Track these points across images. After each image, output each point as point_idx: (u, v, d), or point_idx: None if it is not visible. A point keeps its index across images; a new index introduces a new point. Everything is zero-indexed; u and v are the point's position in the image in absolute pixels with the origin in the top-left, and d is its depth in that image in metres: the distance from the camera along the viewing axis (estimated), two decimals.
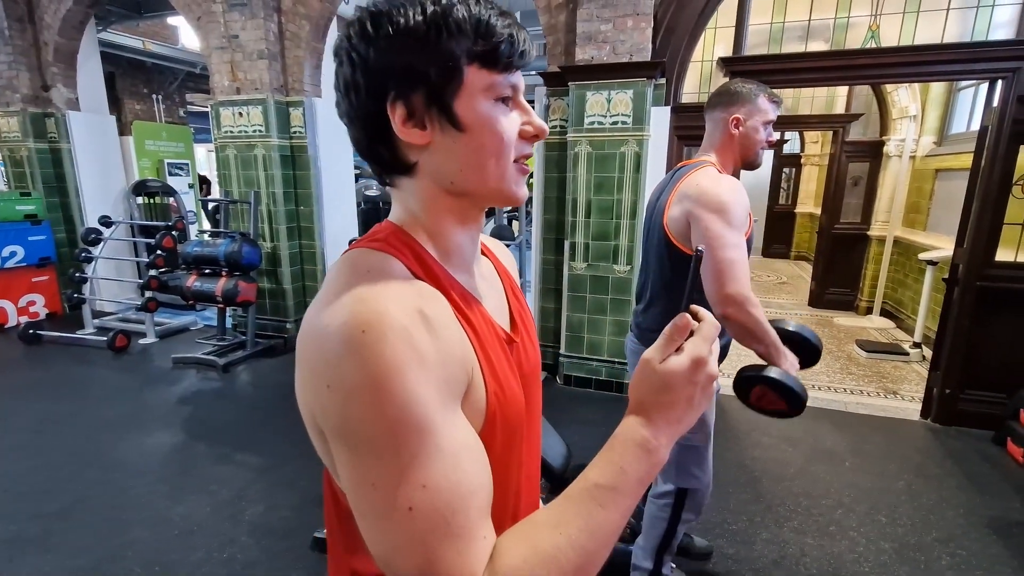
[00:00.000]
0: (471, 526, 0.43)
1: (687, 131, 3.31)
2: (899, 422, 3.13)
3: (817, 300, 5.81)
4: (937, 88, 4.79)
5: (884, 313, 5.24)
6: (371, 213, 5.20)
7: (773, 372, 1.28)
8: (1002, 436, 2.81)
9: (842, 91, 5.84)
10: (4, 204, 4.51)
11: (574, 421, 3.09)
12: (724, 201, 1.33)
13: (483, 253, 0.65)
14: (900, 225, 5.09)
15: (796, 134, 8.76)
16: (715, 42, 3.49)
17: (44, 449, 2.71)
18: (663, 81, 3.24)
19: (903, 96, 4.86)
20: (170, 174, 6.85)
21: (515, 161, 0.53)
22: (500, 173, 0.52)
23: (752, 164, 1.51)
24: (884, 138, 5.18)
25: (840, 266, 5.58)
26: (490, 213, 3.90)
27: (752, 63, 3.28)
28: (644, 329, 1.59)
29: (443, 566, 0.41)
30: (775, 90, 1.50)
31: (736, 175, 1.53)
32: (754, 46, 3.54)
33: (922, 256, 4.11)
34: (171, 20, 7.02)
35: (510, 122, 0.51)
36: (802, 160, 8.74)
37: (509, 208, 3.82)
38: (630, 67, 3.11)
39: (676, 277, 1.47)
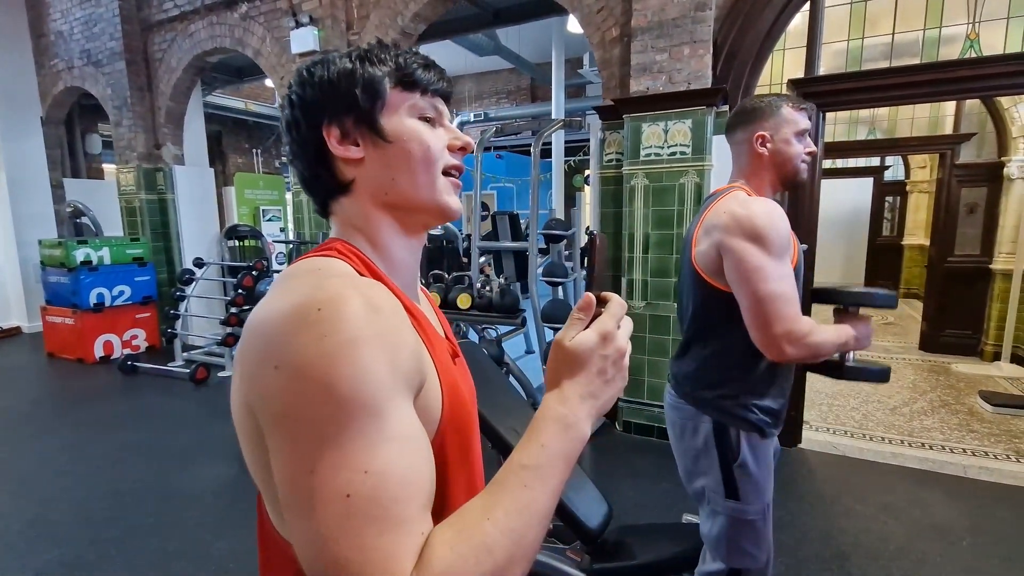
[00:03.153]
0: (411, 518, 0.41)
1: None
2: None
3: (930, 343, 5.09)
4: None
5: (1016, 359, 4.47)
6: (435, 252, 5.31)
7: (849, 366, 1.33)
8: None
9: (949, 110, 5.24)
10: (117, 249, 5.10)
11: (629, 473, 2.83)
12: (758, 226, 1.14)
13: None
14: None
15: (899, 159, 7.99)
16: (784, 65, 3.25)
17: (117, 476, 2.88)
18: (725, 108, 3.05)
19: None
20: (265, 219, 7.49)
21: (446, 173, 0.57)
22: (429, 182, 0.55)
23: (794, 182, 1.31)
24: (1003, 159, 4.54)
25: (957, 305, 4.88)
26: (545, 250, 3.80)
27: (828, 83, 3.01)
28: (678, 378, 1.38)
29: (376, 556, 0.39)
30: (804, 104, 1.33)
31: (780, 198, 1.34)
32: (830, 68, 3.26)
33: None
34: (269, 82, 7.80)
35: (435, 136, 0.56)
36: (908, 187, 7.92)
37: (563, 243, 3.72)
38: (688, 96, 2.96)
39: (712, 318, 1.28)
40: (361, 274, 0.52)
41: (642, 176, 3.12)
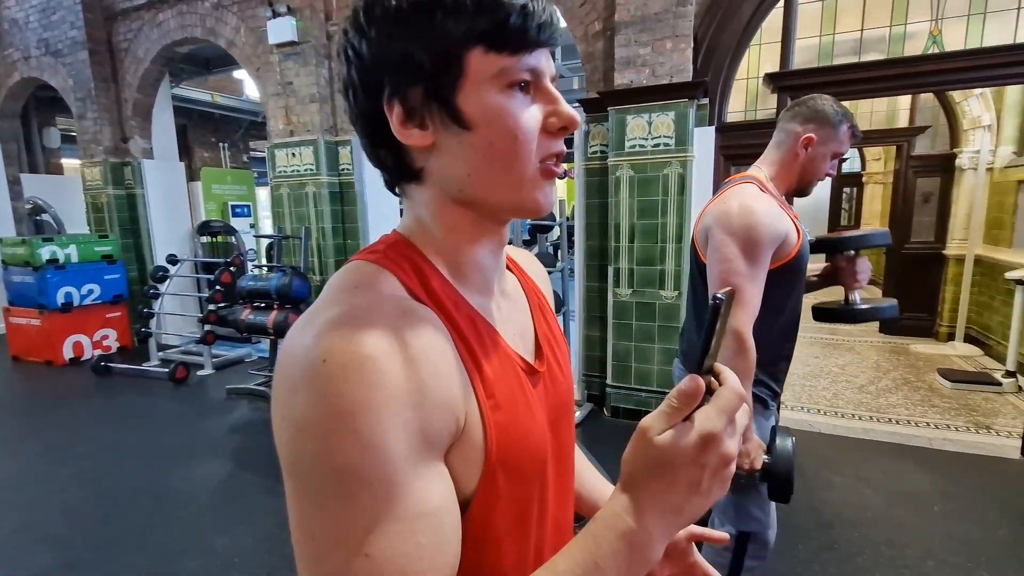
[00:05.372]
0: None
1: (734, 150, 3.19)
2: (995, 460, 2.78)
3: (890, 327, 5.37)
4: (1014, 95, 4.43)
5: (969, 339, 4.77)
6: None
7: (861, 308, 1.42)
8: None
9: (905, 104, 5.53)
10: (84, 246, 4.90)
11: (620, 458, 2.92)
12: (745, 225, 1.22)
13: (508, 267, 0.57)
14: (981, 242, 4.67)
15: (854, 151, 8.36)
16: (760, 59, 3.38)
17: (105, 477, 2.81)
18: (706, 101, 3.16)
19: (974, 105, 4.53)
20: (233, 215, 7.29)
21: (541, 162, 0.44)
22: (517, 178, 0.43)
23: (804, 192, 1.38)
24: (955, 151, 4.83)
25: (914, 289, 5.16)
26: (531, 241, 3.86)
27: (801, 77, 3.15)
28: (687, 354, 1.49)
29: None
30: None
31: (788, 197, 1.41)
32: (803, 63, 3.40)
33: (1010, 275, 3.73)
34: (236, 74, 7.59)
35: (529, 115, 0.43)
36: (864, 179, 8.30)
37: (550, 233, 3.78)
38: (671, 89, 3.05)
39: (701, 294, 1.37)
40: (412, 292, 0.43)
41: (627, 167, 3.20)
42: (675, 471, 0.37)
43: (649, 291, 3.25)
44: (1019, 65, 2.66)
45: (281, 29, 4.00)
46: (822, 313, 1.53)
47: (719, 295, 0.38)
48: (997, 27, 3.04)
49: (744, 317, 1.21)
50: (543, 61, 0.43)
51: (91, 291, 4.89)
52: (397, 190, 0.49)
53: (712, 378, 0.40)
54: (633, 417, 3.38)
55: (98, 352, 4.92)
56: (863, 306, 1.43)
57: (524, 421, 0.45)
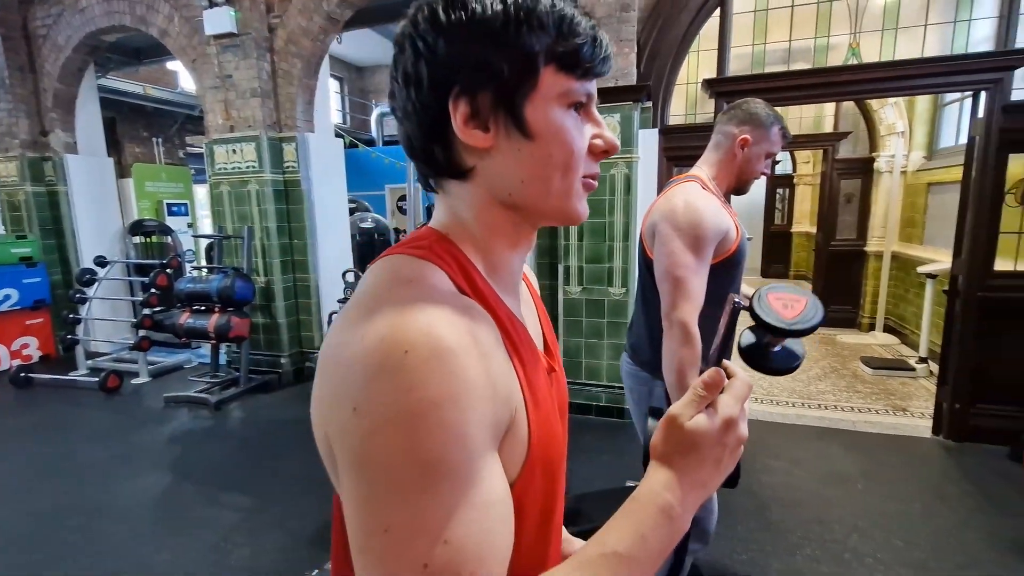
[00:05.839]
0: None
1: (676, 152, 3.32)
2: (911, 440, 3.03)
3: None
4: (923, 104, 4.84)
5: (887, 329, 5.17)
6: (366, 246, 5.21)
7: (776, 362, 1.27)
8: (1018, 452, 2.71)
9: (829, 110, 5.92)
10: (0, 248, 4.52)
11: (575, 450, 2.97)
12: (690, 222, 1.29)
13: None
14: (896, 240, 5.07)
15: (786, 154, 8.85)
16: (699, 65, 3.54)
17: (30, 495, 2.62)
18: (649, 104, 3.27)
19: (889, 113, 4.91)
20: (169, 214, 6.92)
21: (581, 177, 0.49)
22: (565, 189, 0.47)
23: (742, 190, 1.47)
24: (874, 155, 5.21)
25: (839, 283, 5.54)
26: None
27: (736, 83, 3.31)
28: (635, 348, 1.54)
29: None
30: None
31: (727, 196, 1.49)
32: (738, 69, 3.59)
33: (921, 269, 4.07)
34: (170, 65, 7.20)
35: (582, 134, 0.47)
36: (795, 180, 8.81)
37: None
38: (616, 91, 3.14)
39: (654, 289, 1.44)
40: (461, 289, 0.45)
41: None
42: (704, 451, 0.43)
43: (598, 288, 3.34)
44: (927, 77, 2.91)
45: (218, 20, 3.83)
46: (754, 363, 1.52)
47: (739, 300, 0.45)
48: (907, 41, 3.31)
49: (689, 308, 1.26)
50: (595, 89, 0.48)
51: (7, 296, 4.52)
52: (432, 183, 0.51)
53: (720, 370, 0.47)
54: (584, 412, 3.46)
55: (17, 362, 4.57)
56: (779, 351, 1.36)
57: (552, 419, 0.49)
